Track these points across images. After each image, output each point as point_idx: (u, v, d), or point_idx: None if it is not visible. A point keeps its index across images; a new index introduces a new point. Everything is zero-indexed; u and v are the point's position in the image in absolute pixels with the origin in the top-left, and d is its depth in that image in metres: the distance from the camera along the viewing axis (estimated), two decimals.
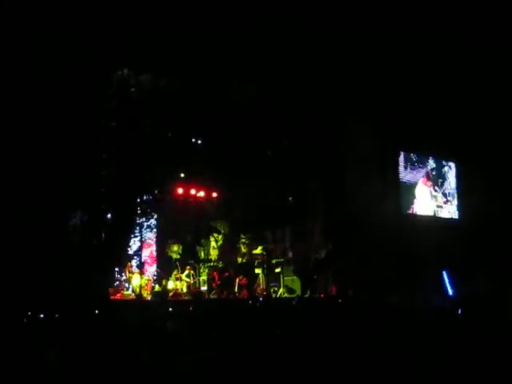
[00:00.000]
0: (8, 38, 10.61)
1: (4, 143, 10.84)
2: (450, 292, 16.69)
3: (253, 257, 17.07)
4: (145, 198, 14.44)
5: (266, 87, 14.41)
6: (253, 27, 13.03)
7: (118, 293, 14.34)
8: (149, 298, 14.46)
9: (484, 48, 15.07)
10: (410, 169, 18.14)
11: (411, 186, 18.14)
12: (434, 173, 18.90)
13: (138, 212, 14.35)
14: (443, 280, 16.81)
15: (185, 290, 15.35)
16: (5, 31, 10.57)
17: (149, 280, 15.33)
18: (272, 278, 16.41)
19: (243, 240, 17.33)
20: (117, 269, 14.35)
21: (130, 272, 14.84)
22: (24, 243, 10.57)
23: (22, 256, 10.58)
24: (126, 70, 12.55)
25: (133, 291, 14.61)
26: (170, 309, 12.34)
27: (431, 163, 18.86)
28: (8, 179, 10.72)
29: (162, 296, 14.44)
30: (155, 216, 16.65)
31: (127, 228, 13.11)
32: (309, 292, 15.31)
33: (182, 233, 16.96)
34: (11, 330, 8.47)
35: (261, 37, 13.25)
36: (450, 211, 19.21)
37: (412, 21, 14.09)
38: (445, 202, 19.12)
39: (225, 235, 17.51)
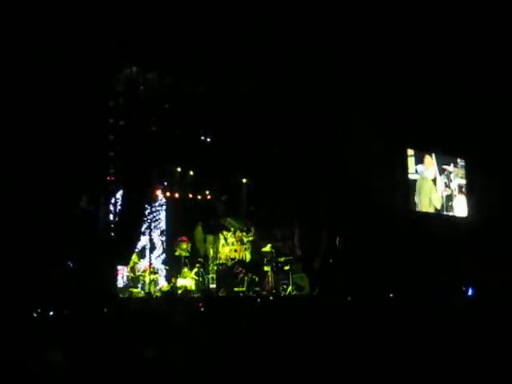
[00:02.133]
0: (14, 36, 10.66)
1: (14, 142, 10.91)
2: (470, 292, 16.52)
3: (262, 254, 17.10)
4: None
5: (272, 86, 14.39)
6: (259, 26, 13.01)
7: (127, 290, 14.40)
8: (158, 295, 14.51)
9: (491, 44, 14.97)
10: (419, 166, 18.04)
11: (420, 183, 18.03)
12: (442, 170, 18.79)
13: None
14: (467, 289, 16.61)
15: (194, 287, 15.39)
16: (11, 30, 10.62)
17: (158, 278, 15.39)
18: (281, 276, 16.43)
19: (252, 238, 17.37)
20: (125, 267, 14.42)
21: (138, 270, 14.90)
22: (33, 240, 10.64)
23: (32, 253, 10.64)
24: (133, 69, 12.58)
25: (142, 289, 14.67)
26: (180, 306, 12.36)
27: (440, 160, 18.75)
28: (17, 176, 10.79)
29: (171, 294, 14.49)
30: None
31: (135, 225, 13.16)
32: (317, 290, 15.30)
33: (192, 230, 17.06)
34: (20, 327, 8.51)
35: (267, 35, 13.24)
36: (460, 208, 19.09)
37: (417, 19, 14.02)
38: (453, 200, 19.01)
39: (234, 233, 17.55)
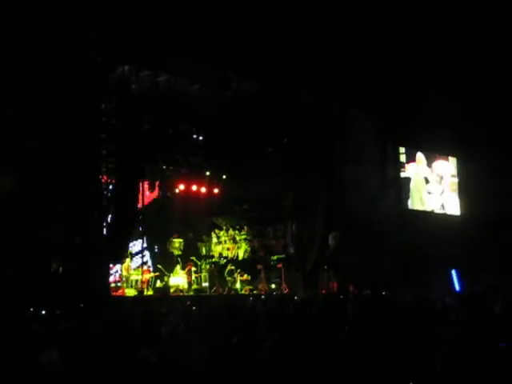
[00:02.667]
0: (9, 35, 10.61)
1: (5, 140, 10.86)
2: (458, 288, 16.58)
3: (254, 253, 17.11)
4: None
5: (266, 84, 14.39)
6: (254, 22, 12.99)
7: (120, 289, 14.36)
8: (150, 293, 14.48)
9: (485, 39, 15.01)
10: (411, 164, 18.09)
11: (412, 182, 18.08)
12: (435, 168, 18.85)
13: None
14: (451, 276, 16.69)
15: (186, 286, 15.37)
16: (6, 28, 10.57)
17: (151, 276, 15.35)
18: (273, 275, 16.43)
19: (244, 236, 17.37)
20: (118, 266, 14.37)
21: (130, 269, 14.86)
22: (25, 240, 10.60)
23: (24, 253, 10.60)
24: (126, 67, 12.54)
25: (134, 288, 14.62)
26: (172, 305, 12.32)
27: (432, 158, 18.81)
28: (9, 177, 10.75)
29: (163, 292, 14.46)
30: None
31: (128, 224, 13.13)
32: (310, 288, 15.32)
33: (184, 229, 17.02)
34: (13, 327, 8.48)
35: (262, 32, 13.22)
36: (452, 207, 19.15)
37: (412, 17, 14.06)
38: (446, 198, 19.06)
39: (226, 231, 17.56)
